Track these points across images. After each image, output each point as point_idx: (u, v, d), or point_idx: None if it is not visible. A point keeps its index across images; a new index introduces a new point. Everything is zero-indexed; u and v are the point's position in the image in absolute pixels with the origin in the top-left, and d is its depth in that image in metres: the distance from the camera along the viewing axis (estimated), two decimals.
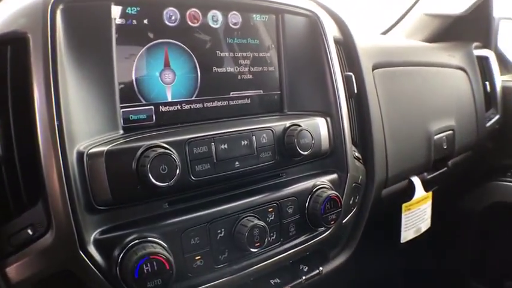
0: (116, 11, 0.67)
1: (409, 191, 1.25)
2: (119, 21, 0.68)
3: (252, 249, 0.72)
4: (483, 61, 1.66)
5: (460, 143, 1.42)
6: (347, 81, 0.97)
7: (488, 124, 1.59)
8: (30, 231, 0.61)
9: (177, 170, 0.63)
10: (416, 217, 1.27)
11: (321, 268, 0.93)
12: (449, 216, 1.71)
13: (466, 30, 1.69)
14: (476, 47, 1.65)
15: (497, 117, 1.63)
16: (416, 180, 1.25)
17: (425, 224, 1.32)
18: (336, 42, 0.99)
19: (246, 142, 0.75)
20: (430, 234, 1.39)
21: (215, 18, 0.79)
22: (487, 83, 1.63)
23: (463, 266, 1.77)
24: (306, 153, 0.80)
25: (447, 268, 1.79)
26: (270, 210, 0.78)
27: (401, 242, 1.25)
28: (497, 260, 1.71)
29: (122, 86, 0.69)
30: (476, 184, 1.71)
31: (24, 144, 0.60)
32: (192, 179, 0.68)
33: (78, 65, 0.63)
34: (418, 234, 1.30)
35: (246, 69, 0.84)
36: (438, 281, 1.80)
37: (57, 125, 0.58)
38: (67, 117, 0.60)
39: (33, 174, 0.60)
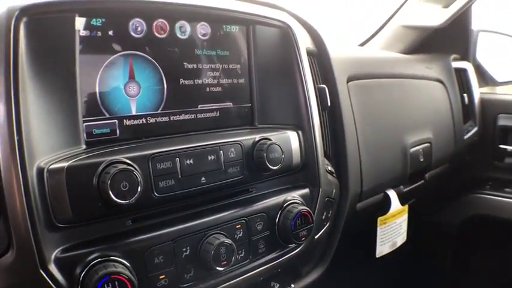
0: (80, 22, 0.68)
1: (385, 205, 1.27)
2: (83, 33, 0.68)
3: (218, 268, 0.73)
4: (461, 73, 1.71)
5: (438, 156, 1.45)
6: (320, 93, 0.99)
7: (466, 136, 1.63)
8: None
9: (139, 187, 0.64)
10: (392, 231, 1.29)
11: (292, 285, 0.94)
12: (427, 229, 1.74)
13: (444, 42, 1.73)
14: (455, 59, 1.70)
15: (475, 129, 1.68)
16: (392, 194, 1.27)
17: (401, 237, 1.34)
18: (310, 53, 1.01)
19: (212, 157, 0.76)
20: (407, 248, 1.42)
21: (183, 29, 0.80)
22: (465, 95, 1.67)
23: (442, 280, 1.80)
24: (275, 168, 0.81)
25: (425, 282, 1.82)
26: (238, 226, 0.79)
27: (377, 256, 1.26)
28: (476, 272, 1.74)
29: (85, 99, 0.69)
30: (454, 197, 1.75)
31: None
32: (156, 196, 0.69)
33: (41, 78, 0.63)
34: (394, 248, 1.32)
35: (215, 81, 0.85)
36: None
37: (17, 140, 0.59)
38: (27, 131, 0.60)
39: None
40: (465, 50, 1.80)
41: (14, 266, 0.60)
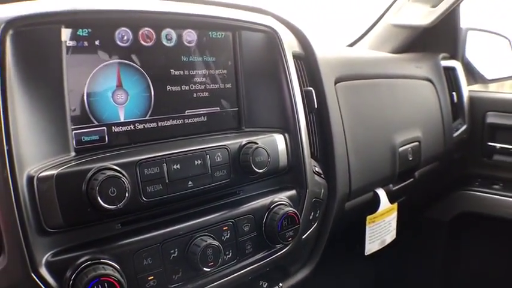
0: (66, 33, 0.70)
1: (374, 203, 1.29)
2: (69, 43, 0.70)
3: (205, 269, 0.75)
4: (450, 72, 1.73)
5: (427, 154, 1.48)
6: (307, 96, 1.01)
7: (456, 134, 1.66)
8: None
9: (127, 193, 0.66)
10: (381, 229, 1.32)
11: (280, 284, 0.96)
12: (417, 226, 1.77)
13: (433, 41, 1.75)
14: (444, 58, 1.72)
15: (464, 127, 1.70)
16: (381, 192, 1.30)
17: (390, 235, 1.36)
18: (297, 57, 1.03)
19: (199, 161, 0.78)
20: (398, 246, 1.44)
21: (169, 36, 0.82)
22: (454, 93, 1.70)
23: (431, 277, 1.82)
24: (261, 171, 0.83)
25: (416, 279, 1.84)
26: (225, 228, 0.81)
27: (366, 254, 1.29)
28: (465, 270, 1.77)
29: (74, 107, 0.71)
30: (443, 194, 1.77)
31: None
32: (143, 200, 0.71)
33: (29, 88, 0.65)
34: (383, 246, 1.34)
35: (202, 86, 0.87)
36: None
37: (7, 150, 0.61)
38: (17, 141, 0.62)
39: None
40: (454, 48, 1.82)
41: (6, 270, 0.62)
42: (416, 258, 1.84)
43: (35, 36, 0.66)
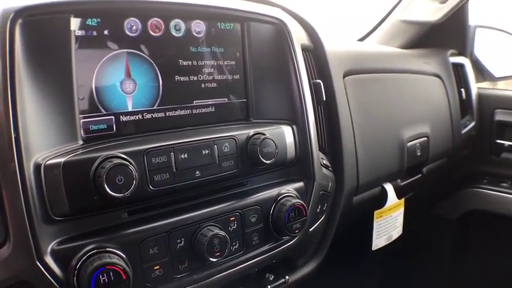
0: (75, 23, 0.69)
1: (382, 198, 1.28)
2: (78, 32, 0.70)
3: (211, 259, 0.74)
4: (459, 68, 1.70)
5: (435, 150, 1.46)
6: (315, 88, 1.00)
7: (464, 131, 1.63)
8: None
9: (134, 181, 0.65)
10: (388, 224, 1.30)
11: (287, 277, 0.95)
12: (425, 223, 1.74)
13: (442, 37, 1.73)
14: (452, 54, 1.70)
15: (472, 124, 1.68)
16: (389, 187, 1.28)
17: (396, 231, 1.35)
18: (305, 49, 1.02)
19: (207, 151, 0.77)
20: (405, 242, 1.42)
21: (178, 27, 0.81)
22: (463, 90, 1.67)
23: (439, 275, 1.80)
24: (269, 162, 0.82)
25: (423, 276, 1.82)
26: (232, 219, 0.80)
27: (373, 249, 1.27)
28: (473, 267, 1.75)
29: (82, 96, 0.71)
30: (451, 191, 1.75)
31: None
32: (151, 189, 0.70)
33: (37, 77, 0.65)
34: (390, 241, 1.33)
35: (211, 77, 0.86)
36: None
37: (14, 138, 0.60)
38: (24, 129, 0.61)
39: None
40: (462, 45, 1.80)
41: (11, 258, 0.61)
42: (424, 255, 1.82)
43: (44, 26, 0.66)
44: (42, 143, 0.64)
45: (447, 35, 1.74)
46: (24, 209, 0.60)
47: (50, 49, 0.67)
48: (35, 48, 0.64)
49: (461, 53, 1.78)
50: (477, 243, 1.74)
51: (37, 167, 0.62)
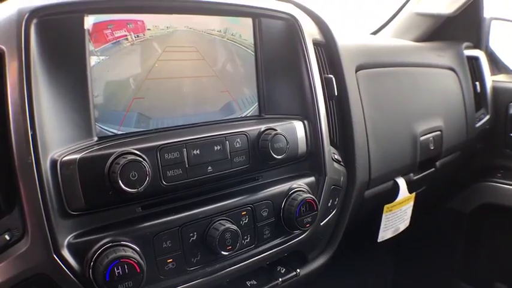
0: (89, 21, 0.70)
1: (393, 192, 1.27)
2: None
3: (223, 252, 0.75)
4: (473, 61, 1.68)
5: (449, 144, 1.44)
6: (327, 83, 0.99)
7: (478, 124, 1.61)
8: (7, 237, 0.64)
9: (147, 177, 0.66)
10: (397, 217, 1.30)
11: (298, 270, 0.95)
12: (438, 217, 1.73)
13: (456, 30, 1.71)
14: (467, 47, 1.67)
15: (487, 117, 1.65)
16: (401, 182, 1.27)
17: (404, 224, 1.34)
18: (317, 44, 1.02)
19: (218, 147, 0.77)
20: (418, 235, 1.42)
21: None
22: (477, 83, 1.65)
23: (452, 268, 1.79)
24: (280, 157, 0.82)
25: (436, 270, 1.81)
26: (243, 213, 0.81)
27: (378, 241, 1.27)
28: (486, 261, 1.73)
29: (97, 94, 0.72)
30: (465, 185, 1.73)
31: (0, 154, 0.63)
32: (164, 184, 0.71)
33: (53, 75, 0.66)
34: (396, 233, 1.32)
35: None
36: (427, 282, 1.82)
37: (31, 135, 0.62)
38: (41, 127, 0.63)
39: (10, 182, 0.63)
40: (477, 38, 1.76)
41: (29, 251, 0.63)
42: (436, 249, 1.80)
43: (58, 25, 0.67)
44: (58, 139, 0.65)
45: (462, 27, 1.71)
46: (41, 204, 0.62)
47: (65, 47, 0.68)
48: (50, 47, 0.66)
49: (476, 45, 1.75)
50: (490, 237, 1.72)
51: (53, 163, 0.63)
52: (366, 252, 1.59)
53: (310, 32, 0.98)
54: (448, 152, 1.46)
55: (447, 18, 1.67)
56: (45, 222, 0.62)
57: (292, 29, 0.93)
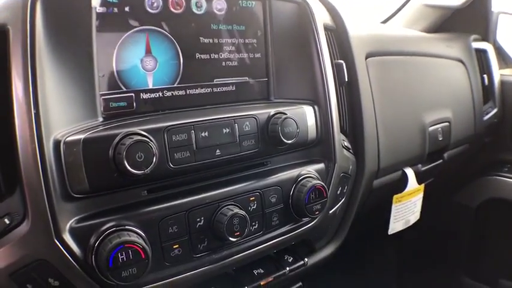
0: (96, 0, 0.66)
1: (402, 183, 1.23)
2: (99, 9, 0.67)
3: (231, 239, 0.71)
4: (481, 54, 1.63)
5: (457, 136, 1.40)
6: (337, 69, 0.95)
7: (486, 118, 1.56)
8: (7, 220, 0.61)
9: (154, 158, 0.62)
10: (407, 209, 1.26)
11: (306, 259, 0.92)
12: (444, 210, 1.69)
13: (465, 22, 1.66)
14: (475, 40, 1.62)
15: (494, 110, 1.60)
16: (409, 172, 1.23)
17: (414, 216, 1.30)
18: (328, 29, 0.98)
19: (227, 130, 0.74)
20: (424, 228, 1.38)
21: (199, 4, 0.77)
22: (485, 76, 1.60)
23: (456, 263, 1.75)
24: (290, 141, 0.78)
25: (440, 264, 1.77)
26: (251, 199, 0.77)
27: (389, 233, 1.23)
28: (491, 256, 1.69)
29: (102, 73, 0.68)
30: (472, 178, 1.68)
31: (1, 133, 0.60)
32: (171, 167, 0.67)
33: (58, 54, 0.62)
34: (407, 226, 1.28)
35: (232, 55, 0.83)
36: (432, 276, 1.78)
37: (34, 114, 0.58)
38: (45, 106, 0.59)
39: (11, 163, 0.60)
40: (485, 31, 1.71)
41: (29, 236, 0.59)
42: (442, 242, 1.76)
43: (65, 2, 0.63)
44: (62, 119, 0.62)
45: (470, 20, 1.66)
46: (43, 186, 0.58)
47: (71, 26, 0.64)
48: (56, 25, 0.62)
49: (484, 38, 1.70)
50: (496, 232, 1.67)
51: (57, 143, 0.60)
52: (371, 243, 1.55)
53: (321, 17, 0.93)
54: (456, 144, 1.41)
55: (455, 10, 1.62)
56: (47, 205, 0.59)
57: (303, 12, 0.88)
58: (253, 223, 0.77)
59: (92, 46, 0.66)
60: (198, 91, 0.78)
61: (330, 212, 0.92)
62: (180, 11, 0.75)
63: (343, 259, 1.06)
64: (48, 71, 0.60)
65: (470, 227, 1.71)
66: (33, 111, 0.58)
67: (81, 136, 0.60)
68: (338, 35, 1.02)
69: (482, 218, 1.69)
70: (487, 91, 1.62)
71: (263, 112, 0.79)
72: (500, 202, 1.61)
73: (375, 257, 1.70)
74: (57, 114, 0.61)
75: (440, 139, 1.31)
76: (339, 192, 0.94)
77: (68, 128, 0.62)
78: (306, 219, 0.85)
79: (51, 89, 0.60)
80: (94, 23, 0.66)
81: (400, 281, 1.79)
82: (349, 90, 1.02)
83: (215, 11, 0.80)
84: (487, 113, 1.59)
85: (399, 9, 1.65)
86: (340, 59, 0.98)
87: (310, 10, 0.89)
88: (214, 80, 0.80)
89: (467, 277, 1.74)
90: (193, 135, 0.70)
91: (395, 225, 1.24)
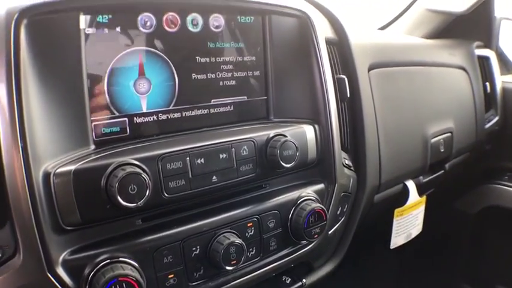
0: (84, 20, 0.63)
1: (403, 196, 1.20)
2: (88, 30, 0.63)
3: (227, 267, 0.69)
4: (484, 61, 1.59)
5: (458, 145, 1.37)
6: (339, 84, 0.92)
7: (487, 126, 1.53)
8: None
9: (147, 191, 0.60)
10: (408, 222, 1.23)
11: (304, 280, 0.90)
12: (443, 218, 1.66)
13: (467, 28, 1.62)
14: (478, 46, 1.59)
15: (496, 118, 1.57)
16: (411, 185, 1.20)
17: (416, 229, 1.28)
18: (329, 43, 0.94)
19: (224, 155, 0.71)
20: (423, 236, 1.35)
21: (195, 21, 0.74)
22: (487, 83, 1.57)
23: (455, 269, 1.73)
24: (289, 165, 0.75)
25: (439, 271, 1.75)
26: (249, 225, 0.74)
27: (391, 248, 1.20)
28: (489, 263, 1.66)
29: (93, 98, 0.65)
30: (471, 186, 1.65)
31: None
32: (165, 196, 0.65)
33: (45, 80, 0.59)
34: (409, 239, 1.25)
35: (229, 74, 0.80)
36: (430, 284, 1.76)
37: (21, 147, 0.55)
38: (32, 137, 0.56)
39: (1, 196, 0.57)
40: (488, 37, 1.67)
41: (21, 269, 0.57)
42: (441, 249, 1.74)
43: (51, 25, 0.60)
44: (51, 150, 0.59)
45: (473, 26, 1.62)
46: (33, 219, 0.56)
47: (59, 49, 0.61)
48: (42, 49, 0.59)
49: (486, 45, 1.66)
50: (494, 239, 1.65)
51: (46, 175, 0.57)
52: (371, 252, 1.52)
53: (323, 30, 0.90)
54: (457, 153, 1.38)
55: (458, 16, 1.58)
56: (38, 239, 0.56)
57: (304, 26, 0.85)
58: (251, 249, 0.75)
59: (82, 69, 0.62)
60: (194, 113, 0.75)
61: (330, 232, 0.90)
62: (174, 29, 0.72)
63: (341, 266, 1.03)
64: (35, 99, 0.57)
65: (469, 234, 1.69)
66: (20, 145, 0.55)
67: (72, 167, 0.58)
68: (340, 48, 0.99)
69: (480, 225, 1.66)
70: (489, 99, 1.59)
71: (261, 134, 0.76)
72: (500, 210, 1.59)
73: (373, 262, 1.68)
74: (46, 144, 0.58)
75: (442, 150, 1.28)
76: (338, 212, 0.91)
77: (59, 158, 0.59)
78: (304, 242, 0.83)
79: (39, 118, 0.57)
80: (83, 45, 0.63)
81: (399, 286, 1.78)
82: (351, 105, 0.99)
83: (212, 28, 0.76)
84: (489, 121, 1.56)
85: (400, 15, 1.61)
86: (342, 73, 0.95)
87: (312, 24, 0.85)
88: (212, 101, 0.77)
89: (464, 283, 1.72)
90: (188, 163, 0.67)
91: (397, 239, 1.22)
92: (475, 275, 1.70)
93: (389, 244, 1.20)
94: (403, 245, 1.27)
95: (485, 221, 1.63)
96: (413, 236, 1.27)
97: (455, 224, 1.69)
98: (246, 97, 0.82)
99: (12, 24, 0.55)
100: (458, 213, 1.67)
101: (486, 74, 1.59)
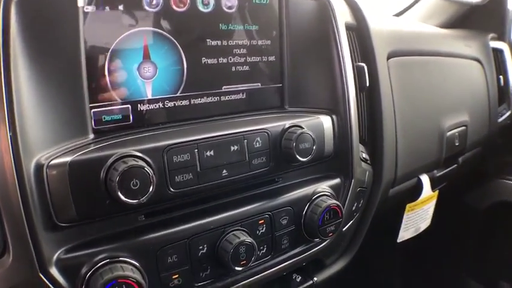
0: None
1: (416, 190, 1.12)
2: (87, 8, 0.55)
3: (236, 268, 0.61)
4: (498, 54, 1.49)
5: (472, 139, 1.28)
6: (358, 72, 0.83)
7: (500, 119, 1.44)
8: None
9: (151, 186, 0.52)
10: (418, 216, 1.15)
11: (315, 278, 0.82)
12: (452, 212, 1.58)
13: (481, 19, 1.51)
14: (492, 38, 1.48)
15: (509, 112, 1.47)
16: (425, 179, 1.12)
17: (425, 223, 1.20)
18: (349, 28, 0.85)
19: (236, 147, 0.62)
20: (432, 230, 1.28)
21: (206, 1, 0.65)
22: (501, 76, 1.46)
23: (461, 264, 1.65)
24: (305, 159, 0.67)
25: (446, 266, 1.68)
26: (260, 222, 0.66)
27: (398, 241, 1.13)
28: (495, 259, 1.58)
29: (93, 83, 0.56)
30: (482, 181, 1.56)
31: None
32: (171, 191, 0.57)
33: (38, 62, 0.51)
34: (417, 233, 1.18)
35: (242, 59, 0.71)
36: (435, 278, 1.69)
37: (10, 136, 0.47)
38: (23, 126, 0.49)
39: None
40: (502, 29, 1.56)
41: (11, 270, 0.50)
42: (449, 244, 1.66)
43: (45, 2, 0.51)
44: (45, 139, 0.51)
45: (487, 17, 1.51)
46: (23, 216, 0.48)
47: (54, 29, 0.52)
48: (35, 30, 0.51)
49: (500, 37, 1.56)
50: (504, 234, 1.57)
51: (39, 167, 0.49)
52: (378, 247, 1.45)
53: (343, 14, 0.81)
54: (470, 147, 1.29)
55: (473, 7, 1.47)
56: (29, 237, 0.49)
57: (324, 9, 0.76)
58: (261, 247, 0.67)
59: (80, 52, 0.54)
60: (203, 100, 0.67)
61: (344, 229, 0.82)
62: (183, 9, 0.63)
63: (353, 270, 0.96)
64: (26, 84, 0.50)
65: (477, 229, 1.61)
66: (8, 133, 0.47)
67: (68, 159, 0.50)
68: (359, 34, 0.90)
69: (489, 221, 1.58)
70: (502, 92, 1.49)
71: (276, 125, 0.67)
72: (509, 206, 1.50)
73: (379, 256, 1.60)
74: (40, 133, 0.51)
75: (457, 144, 1.19)
76: (354, 208, 0.83)
77: (53, 149, 0.51)
78: (317, 240, 0.75)
79: (31, 104, 0.50)
80: (81, 25, 0.54)
81: (404, 281, 1.70)
82: (369, 95, 0.89)
83: (224, 8, 0.67)
84: (502, 115, 1.47)
85: (414, 2, 1.50)
86: (361, 61, 0.86)
87: (332, 8, 0.76)
88: (223, 87, 0.69)
89: (471, 279, 1.64)
90: (197, 155, 0.59)
91: (405, 233, 1.14)
92: (481, 270, 1.62)
93: (397, 238, 1.12)
94: (410, 238, 1.19)
95: (494, 217, 1.55)
96: (421, 229, 1.19)
97: (465, 218, 1.60)
98: (259, 84, 0.74)
99: (1, 3, 0.48)
100: (468, 208, 1.59)
101: (500, 66, 1.49)
